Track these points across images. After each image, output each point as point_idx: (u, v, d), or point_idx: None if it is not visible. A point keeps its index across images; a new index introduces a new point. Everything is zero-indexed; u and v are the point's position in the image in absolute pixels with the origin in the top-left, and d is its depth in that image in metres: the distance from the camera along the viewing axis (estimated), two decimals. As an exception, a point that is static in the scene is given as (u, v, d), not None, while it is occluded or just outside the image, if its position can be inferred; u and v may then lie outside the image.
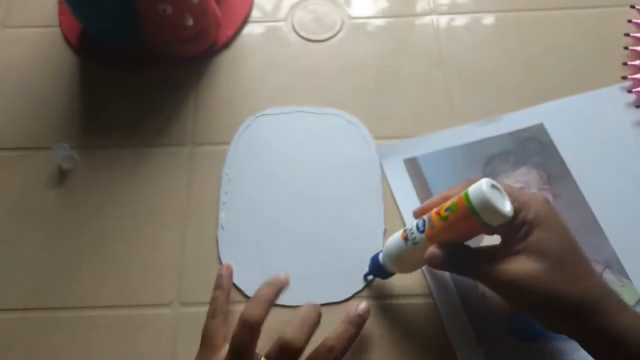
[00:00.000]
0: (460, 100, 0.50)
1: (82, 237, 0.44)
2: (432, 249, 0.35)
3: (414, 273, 0.41)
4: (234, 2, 0.56)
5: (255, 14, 0.56)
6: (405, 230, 0.37)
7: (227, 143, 0.48)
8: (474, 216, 0.33)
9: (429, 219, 0.35)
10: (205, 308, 0.41)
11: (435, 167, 0.47)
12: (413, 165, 0.47)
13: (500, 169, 0.47)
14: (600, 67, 0.51)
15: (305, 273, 0.42)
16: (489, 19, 0.55)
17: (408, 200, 0.45)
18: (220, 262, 0.43)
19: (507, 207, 0.33)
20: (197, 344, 0.40)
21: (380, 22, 0.55)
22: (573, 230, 0.43)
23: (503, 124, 0.49)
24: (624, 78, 0.50)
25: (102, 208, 0.45)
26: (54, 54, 0.53)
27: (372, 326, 0.41)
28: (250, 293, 0.42)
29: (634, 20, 0.53)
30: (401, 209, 0.45)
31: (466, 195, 0.33)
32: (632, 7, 0.54)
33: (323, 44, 0.54)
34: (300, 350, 0.33)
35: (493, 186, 0.33)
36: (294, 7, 0.56)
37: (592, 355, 0.33)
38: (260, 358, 0.34)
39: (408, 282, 0.42)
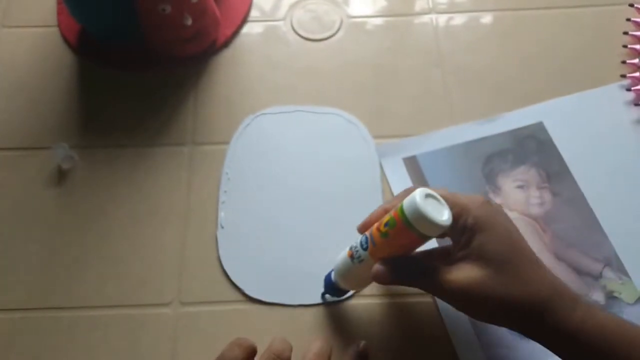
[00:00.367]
0: (460, 99, 0.50)
1: (82, 236, 0.44)
2: (377, 267, 0.34)
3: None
4: (233, 2, 0.55)
5: (254, 13, 0.56)
6: (351, 248, 0.36)
7: (227, 142, 0.48)
8: (411, 229, 0.32)
9: (371, 235, 0.35)
10: (205, 307, 0.41)
11: (435, 165, 0.47)
12: (412, 164, 0.47)
13: (500, 168, 0.47)
14: (599, 65, 0.51)
15: (304, 272, 0.42)
16: (487, 18, 0.55)
17: (407, 199, 0.45)
18: (220, 262, 0.43)
19: (444, 216, 0.33)
20: (196, 343, 0.40)
21: (379, 21, 0.55)
22: (573, 228, 0.43)
23: (502, 122, 0.49)
24: (623, 76, 0.50)
25: (101, 208, 0.45)
26: (53, 54, 0.53)
27: (373, 325, 0.41)
28: (250, 292, 0.42)
29: (632, 19, 0.53)
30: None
31: (401, 208, 0.33)
32: (631, 5, 0.54)
33: (322, 43, 0.54)
34: None
35: (428, 196, 0.33)
36: (293, 7, 0.56)
37: (552, 351, 0.33)
38: None
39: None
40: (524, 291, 0.32)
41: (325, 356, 0.35)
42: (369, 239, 0.35)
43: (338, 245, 0.43)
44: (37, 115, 0.50)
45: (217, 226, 0.44)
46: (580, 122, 0.49)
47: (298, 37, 0.54)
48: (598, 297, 0.41)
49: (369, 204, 0.45)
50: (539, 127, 0.48)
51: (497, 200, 0.45)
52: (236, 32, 0.54)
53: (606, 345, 0.31)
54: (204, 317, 0.41)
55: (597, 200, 0.44)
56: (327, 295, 0.41)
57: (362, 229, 0.38)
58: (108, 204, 0.46)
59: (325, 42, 0.54)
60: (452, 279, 0.32)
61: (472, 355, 0.39)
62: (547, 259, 0.43)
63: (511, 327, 0.34)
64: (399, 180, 0.46)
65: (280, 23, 0.55)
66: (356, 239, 0.37)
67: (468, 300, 0.33)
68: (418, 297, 0.41)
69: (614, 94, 0.50)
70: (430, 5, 0.56)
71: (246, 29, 0.55)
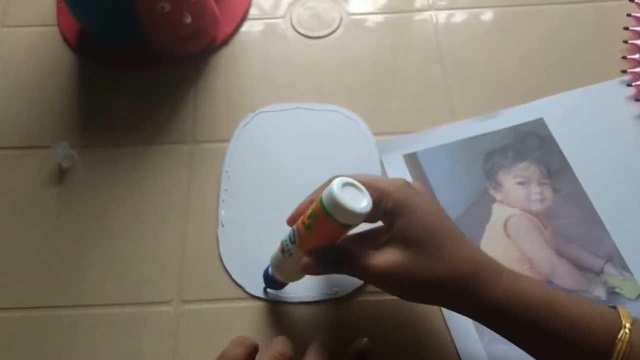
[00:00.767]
0: (460, 95, 0.50)
1: (82, 235, 0.44)
2: (305, 260, 0.35)
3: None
4: (232, 0, 0.55)
5: (253, 11, 0.56)
6: (282, 242, 0.37)
7: (227, 140, 0.48)
8: (330, 219, 0.32)
9: (297, 228, 0.35)
10: (206, 305, 0.41)
11: (435, 162, 0.47)
12: (413, 161, 0.47)
13: (500, 164, 0.47)
14: (600, 61, 0.51)
15: (305, 269, 0.42)
16: (487, 15, 0.55)
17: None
18: (221, 260, 0.43)
19: (362, 203, 0.33)
20: (198, 341, 0.40)
21: (378, 18, 0.55)
22: (574, 224, 0.43)
23: (502, 118, 0.49)
24: (624, 72, 0.50)
25: (102, 206, 0.45)
26: (53, 53, 0.53)
27: (374, 322, 0.41)
28: (250, 290, 0.42)
29: (633, 14, 0.53)
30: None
31: (320, 199, 0.33)
32: (631, 0, 0.54)
33: (322, 40, 0.54)
34: None
35: (346, 184, 0.33)
36: (292, 4, 0.56)
37: (482, 324, 0.34)
38: None
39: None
40: (445, 269, 0.32)
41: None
42: (295, 232, 0.35)
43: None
44: (37, 114, 0.50)
45: (218, 224, 0.44)
46: (581, 118, 0.48)
47: (298, 35, 0.54)
48: (599, 292, 0.41)
49: (370, 201, 0.45)
50: (540, 123, 0.48)
51: (498, 196, 0.45)
52: (236, 30, 0.54)
53: (531, 313, 0.32)
54: (205, 315, 0.41)
55: (598, 196, 0.44)
56: (269, 290, 0.41)
57: (290, 221, 0.38)
58: (108, 202, 0.46)
59: (325, 39, 0.54)
60: (375, 264, 0.33)
61: (473, 351, 0.39)
62: (548, 255, 0.43)
63: (441, 305, 0.35)
64: (400, 177, 0.46)
65: (280, 21, 0.55)
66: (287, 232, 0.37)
67: (392, 283, 0.33)
68: (419, 294, 0.41)
69: (615, 90, 0.50)
70: (430, 2, 0.56)
71: (246, 27, 0.55)
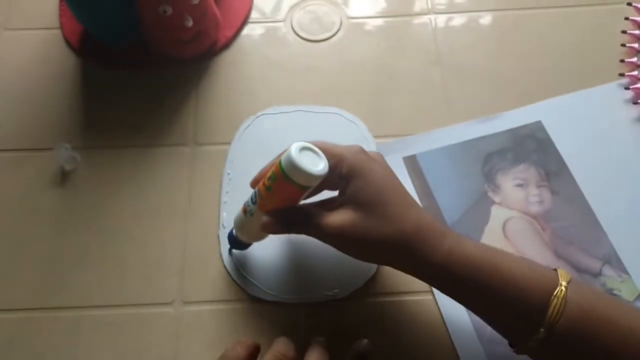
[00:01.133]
0: (458, 98, 0.51)
1: (84, 237, 0.45)
2: (264, 218, 0.36)
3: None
4: (233, 3, 0.56)
5: (254, 14, 0.56)
6: (244, 204, 0.39)
7: (228, 143, 0.49)
8: (288, 181, 0.35)
9: (258, 190, 0.37)
10: (207, 306, 0.42)
11: (434, 164, 0.47)
12: (412, 163, 0.47)
13: (499, 166, 0.47)
14: (598, 64, 0.52)
15: (305, 271, 0.43)
16: (486, 18, 0.55)
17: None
18: (222, 261, 0.43)
19: (319, 166, 0.35)
20: (199, 342, 0.40)
21: (378, 21, 0.56)
22: (572, 226, 0.43)
23: (501, 121, 0.49)
24: (622, 75, 0.51)
25: (104, 208, 0.46)
26: (56, 56, 0.54)
27: (374, 323, 0.41)
28: (251, 291, 0.42)
29: (630, 18, 0.53)
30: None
31: (280, 162, 0.35)
32: (629, 4, 0.54)
33: (322, 43, 0.54)
34: None
35: (304, 148, 0.35)
36: (293, 8, 0.56)
37: (426, 282, 0.36)
38: None
39: (409, 279, 0.41)
40: (391, 229, 0.34)
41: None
42: (256, 194, 0.37)
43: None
44: (40, 116, 0.50)
45: (219, 226, 0.45)
46: (579, 121, 0.49)
47: (298, 38, 0.55)
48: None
49: (370, 203, 0.45)
50: (538, 125, 0.49)
51: (497, 198, 0.46)
52: (237, 34, 0.55)
53: (472, 271, 0.33)
54: (206, 316, 0.41)
55: (596, 198, 0.45)
56: (233, 250, 0.43)
57: (253, 184, 0.39)
58: (110, 204, 0.46)
59: (325, 42, 0.54)
60: (328, 223, 0.35)
61: (471, 352, 0.39)
62: (546, 257, 0.43)
63: (388, 264, 0.37)
64: (399, 179, 0.46)
65: (281, 24, 0.56)
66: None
67: (343, 241, 0.36)
68: (418, 295, 0.42)
69: (613, 93, 0.50)
70: (429, 6, 0.56)
71: (246, 30, 0.55)
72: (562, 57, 0.53)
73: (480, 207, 0.45)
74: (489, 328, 0.40)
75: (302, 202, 0.38)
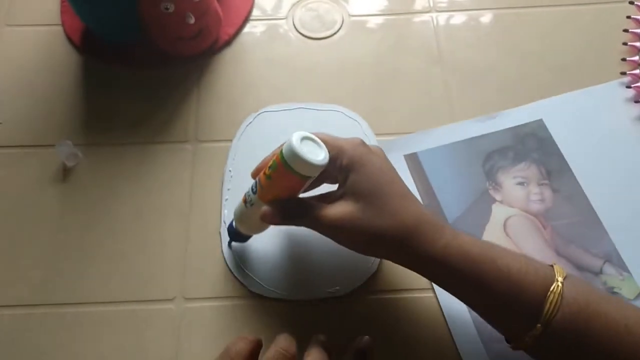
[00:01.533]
0: (460, 96, 0.51)
1: (86, 233, 0.45)
2: (264, 208, 0.36)
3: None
4: (234, 1, 0.56)
5: (256, 12, 0.56)
6: (245, 194, 0.39)
7: (230, 140, 0.49)
8: (289, 170, 0.35)
9: (258, 179, 0.37)
10: (209, 303, 0.42)
11: (435, 162, 0.47)
12: (413, 161, 0.47)
13: (500, 165, 0.47)
14: (599, 63, 0.52)
15: (307, 268, 0.43)
16: (487, 16, 0.55)
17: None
18: (224, 258, 0.43)
19: (319, 156, 0.35)
20: (200, 339, 0.40)
21: (380, 19, 0.56)
22: (573, 224, 0.43)
23: (502, 119, 0.49)
24: (623, 74, 0.51)
25: (105, 205, 0.46)
26: (57, 53, 0.54)
27: (375, 321, 0.41)
28: (252, 288, 0.42)
29: (632, 16, 0.53)
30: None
31: (281, 151, 0.35)
32: (631, 3, 0.54)
33: (323, 41, 0.54)
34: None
35: (305, 138, 0.35)
36: (294, 6, 0.56)
37: (422, 275, 0.36)
38: None
39: (410, 277, 0.42)
40: (390, 221, 0.34)
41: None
42: (257, 183, 0.37)
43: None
44: (41, 113, 0.50)
45: (221, 223, 0.45)
46: (580, 119, 0.49)
47: (300, 36, 0.55)
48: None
49: (371, 201, 0.45)
50: (539, 124, 0.49)
51: (498, 196, 0.46)
52: (238, 31, 0.55)
53: (469, 265, 0.33)
54: (208, 312, 0.41)
55: (597, 196, 0.45)
56: (233, 243, 0.43)
57: (254, 174, 0.39)
58: (112, 201, 0.46)
59: (327, 40, 0.54)
60: (327, 214, 0.35)
61: (473, 350, 0.39)
62: (547, 255, 0.43)
63: (386, 257, 0.37)
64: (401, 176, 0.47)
65: (282, 22, 0.56)
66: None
67: (342, 232, 0.36)
68: (420, 293, 0.42)
69: (614, 91, 0.50)
70: (431, 4, 0.56)
71: (248, 27, 0.55)
72: (563, 55, 0.53)
73: (481, 205, 0.45)
74: (489, 327, 0.40)
75: (302, 195, 0.38)
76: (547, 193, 0.46)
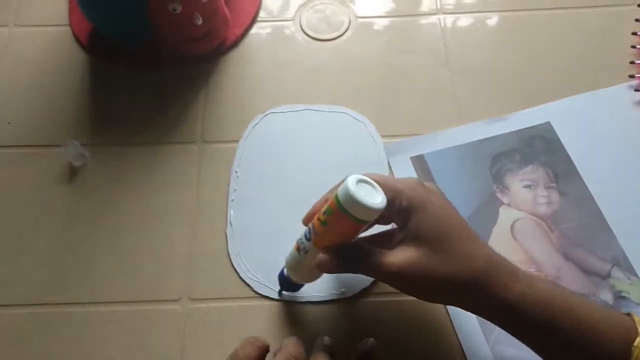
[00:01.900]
0: (467, 98, 0.50)
1: (93, 233, 0.45)
2: (320, 256, 0.34)
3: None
4: (242, 2, 0.56)
5: (262, 14, 0.56)
6: (297, 241, 0.37)
7: (236, 141, 0.49)
8: (346, 215, 0.33)
9: (312, 225, 0.35)
10: (215, 304, 0.42)
11: (443, 164, 0.47)
12: (420, 163, 0.47)
13: (507, 167, 0.47)
14: (608, 65, 0.52)
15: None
16: (494, 19, 0.55)
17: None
18: (230, 259, 0.43)
19: (377, 199, 0.33)
20: (205, 339, 0.40)
21: (386, 21, 0.56)
22: (580, 228, 0.43)
23: (510, 122, 0.49)
24: (632, 77, 0.50)
25: (112, 205, 0.46)
26: (65, 53, 0.54)
27: (381, 323, 0.41)
28: (258, 289, 0.42)
29: (641, 20, 0.53)
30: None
31: (336, 196, 0.33)
32: (639, 5, 0.54)
33: (330, 43, 0.54)
34: None
35: (360, 181, 0.33)
36: (301, 7, 0.57)
37: (495, 324, 0.34)
38: None
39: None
40: (458, 267, 0.32)
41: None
42: (311, 230, 0.36)
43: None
44: (49, 113, 0.51)
45: (227, 224, 0.45)
46: (588, 122, 0.49)
47: (306, 37, 0.55)
48: (606, 297, 0.41)
49: (377, 203, 0.45)
50: (547, 127, 0.48)
51: (505, 199, 0.45)
52: (245, 32, 0.55)
53: (547, 315, 0.31)
54: (213, 313, 0.41)
55: (605, 199, 0.45)
56: (284, 292, 0.41)
57: (306, 220, 0.38)
58: (119, 201, 0.46)
59: (334, 42, 0.54)
60: (390, 262, 0.33)
61: (479, 353, 0.39)
62: (554, 258, 0.43)
63: (454, 304, 0.35)
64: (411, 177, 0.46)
65: (289, 23, 0.56)
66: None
67: (407, 281, 0.33)
68: (426, 295, 0.42)
69: (622, 94, 0.50)
70: (438, 6, 0.56)
71: (255, 29, 0.55)
72: (571, 58, 0.52)
73: (488, 207, 0.45)
74: (496, 329, 0.39)
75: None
76: (555, 196, 0.45)
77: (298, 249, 0.37)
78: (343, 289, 0.42)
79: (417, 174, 0.47)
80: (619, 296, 0.41)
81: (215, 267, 0.43)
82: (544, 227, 0.44)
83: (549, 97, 0.50)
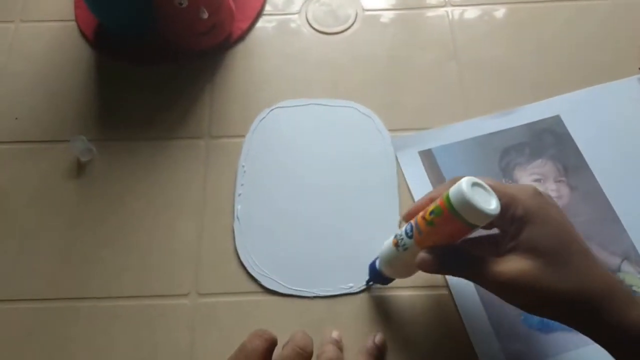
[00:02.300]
0: (475, 92, 0.50)
1: (101, 228, 0.45)
2: (422, 254, 0.34)
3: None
4: (248, -4, 0.56)
5: (268, 7, 0.56)
6: (396, 237, 0.36)
7: (243, 135, 0.48)
8: (457, 218, 0.32)
9: (416, 223, 0.35)
10: (222, 298, 0.42)
11: (451, 159, 0.47)
12: (428, 157, 0.47)
13: (516, 161, 0.46)
14: (618, 58, 0.51)
15: (320, 264, 0.43)
16: (502, 11, 0.55)
17: (423, 192, 0.44)
18: (237, 253, 0.43)
19: (491, 205, 0.32)
20: (214, 334, 0.41)
21: (393, 14, 0.55)
22: (590, 222, 0.42)
23: (518, 115, 0.48)
24: (642, 69, 0.50)
25: (119, 200, 0.46)
26: (71, 48, 0.54)
27: (389, 318, 0.41)
28: (266, 284, 0.42)
29: (651, 11, 0.52)
30: (416, 200, 0.45)
31: (447, 196, 0.32)
32: (650, -3, 0.53)
33: (337, 36, 0.54)
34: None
35: (475, 184, 0.32)
36: (307, 1, 0.56)
37: (608, 350, 0.32)
38: None
39: (424, 274, 0.41)
40: (576, 285, 0.31)
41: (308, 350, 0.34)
42: (414, 227, 0.35)
43: (353, 237, 0.43)
44: (56, 108, 0.51)
45: (234, 218, 0.45)
46: (598, 116, 0.48)
47: (313, 31, 0.54)
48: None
49: (385, 197, 0.45)
50: (556, 120, 0.48)
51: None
52: (251, 26, 0.55)
53: None
54: (221, 308, 0.41)
55: (615, 193, 0.44)
56: (371, 283, 0.41)
57: (407, 217, 0.37)
58: (126, 196, 0.46)
59: (340, 35, 0.54)
60: (502, 271, 0.32)
61: (488, 348, 0.39)
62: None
63: (562, 321, 0.33)
64: (415, 173, 0.46)
65: (295, 17, 0.55)
66: (398, 229, 0.36)
67: (517, 292, 0.32)
68: (434, 290, 0.41)
69: (633, 87, 0.49)
70: (446, -2, 0.56)
71: (261, 22, 0.55)
72: (580, 50, 0.52)
73: (497, 202, 0.45)
74: (505, 324, 0.39)
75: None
76: (564, 190, 0.45)
77: (397, 244, 0.36)
78: (351, 284, 0.42)
79: (425, 169, 0.46)
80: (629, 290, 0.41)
81: (223, 261, 0.43)
82: (554, 221, 0.44)
83: (558, 90, 0.49)
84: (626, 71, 0.50)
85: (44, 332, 0.41)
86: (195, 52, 0.52)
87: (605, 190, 0.44)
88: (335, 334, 0.39)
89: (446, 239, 0.34)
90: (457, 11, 0.55)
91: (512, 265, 0.32)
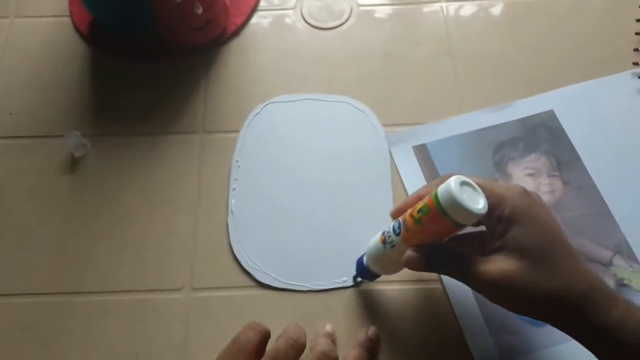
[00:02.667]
0: (470, 87, 0.50)
1: (95, 223, 0.45)
2: (409, 253, 0.34)
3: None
4: (242, -9, 0.56)
5: (263, 3, 0.56)
6: (383, 233, 0.36)
7: (237, 130, 0.48)
8: (444, 216, 0.32)
9: (404, 221, 0.35)
10: (216, 293, 0.42)
11: (445, 153, 0.47)
12: (422, 152, 0.47)
13: (510, 156, 0.47)
14: (611, 53, 0.51)
15: (313, 258, 0.43)
16: (497, 6, 0.55)
17: (417, 187, 0.44)
18: (231, 248, 0.43)
19: (479, 204, 0.32)
20: (208, 328, 0.41)
21: (389, 9, 0.55)
22: (583, 216, 0.43)
23: (512, 110, 0.49)
24: (636, 64, 0.50)
25: (114, 195, 0.46)
26: (65, 44, 0.54)
27: (382, 311, 0.41)
28: (260, 278, 0.42)
29: (645, 6, 0.52)
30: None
31: (435, 195, 0.32)
32: (644, -8, 0.53)
33: (332, 31, 0.54)
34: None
35: (464, 183, 0.32)
36: (302, -4, 0.56)
37: (588, 349, 0.32)
38: None
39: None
40: (560, 285, 0.31)
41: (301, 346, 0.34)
42: (401, 225, 0.35)
43: (347, 231, 0.44)
44: (50, 104, 0.50)
45: (228, 213, 0.45)
46: (592, 110, 0.48)
47: (308, 26, 0.54)
48: (608, 284, 0.41)
49: (379, 192, 0.45)
50: (550, 115, 0.48)
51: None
52: (246, 21, 0.55)
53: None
54: (215, 302, 0.42)
55: (608, 188, 0.44)
56: (359, 278, 0.41)
57: (395, 214, 0.37)
58: (120, 191, 0.46)
59: (335, 30, 0.54)
60: (487, 270, 0.32)
61: (480, 341, 0.39)
62: (557, 246, 0.42)
63: (546, 321, 0.33)
64: (409, 168, 0.46)
65: (290, 12, 0.55)
66: (389, 224, 0.36)
67: (502, 292, 0.32)
68: (427, 284, 0.42)
69: (626, 82, 0.49)
70: (441, -6, 0.56)
71: (256, 18, 0.55)
72: (574, 45, 0.52)
73: (491, 196, 0.45)
74: (497, 317, 0.40)
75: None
76: (558, 184, 0.45)
77: (384, 241, 0.36)
78: (344, 278, 0.42)
79: (420, 164, 0.47)
80: (620, 284, 0.41)
81: (217, 256, 0.43)
82: (547, 215, 0.44)
83: (552, 85, 0.49)
84: (620, 66, 0.50)
85: (39, 327, 0.41)
86: (189, 47, 0.52)
87: (598, 184, 0.45)
88: (328, 327, 0.39)
89: (433, 237, 0.34)
90: (452, 6, 0.55)
91: (498, 265, 0.32)
